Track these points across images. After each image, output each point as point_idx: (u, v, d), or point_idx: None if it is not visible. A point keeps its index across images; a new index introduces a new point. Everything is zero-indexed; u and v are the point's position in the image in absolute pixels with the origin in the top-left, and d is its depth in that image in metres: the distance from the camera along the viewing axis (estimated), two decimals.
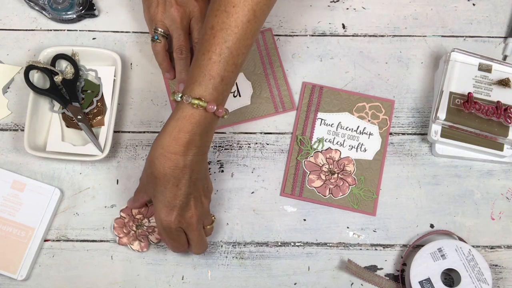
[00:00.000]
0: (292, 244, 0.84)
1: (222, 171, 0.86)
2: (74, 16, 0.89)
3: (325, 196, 0.85)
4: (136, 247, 0.82)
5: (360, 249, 0.84)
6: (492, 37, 0.92)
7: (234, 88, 0.88)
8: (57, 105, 0.86)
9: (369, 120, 0.88)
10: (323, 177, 0.86)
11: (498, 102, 0.84)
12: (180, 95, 0.69)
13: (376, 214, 0.85)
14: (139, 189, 0.79)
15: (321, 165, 0.86)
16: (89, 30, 0.91)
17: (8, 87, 0.88)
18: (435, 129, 0.84)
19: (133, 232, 0.82)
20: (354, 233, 0.85)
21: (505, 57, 0.91)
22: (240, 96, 0.88)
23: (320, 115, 0.88)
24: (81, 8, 0.89)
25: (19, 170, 0.85)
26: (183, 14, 0.83)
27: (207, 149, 0.72)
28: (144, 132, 0.87)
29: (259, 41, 0.90)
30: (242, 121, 0.87)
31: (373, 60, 0.90)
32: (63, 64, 0.87)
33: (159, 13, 0.84)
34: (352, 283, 0.83)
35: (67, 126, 0.85)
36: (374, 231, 0.85)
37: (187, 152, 0.69)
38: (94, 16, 0.90)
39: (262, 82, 0.88)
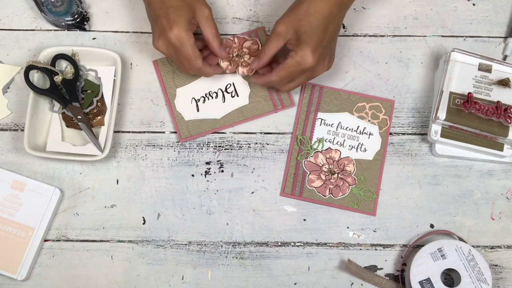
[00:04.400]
0: (292, 244, 0.84)
1: (222, 171, 0.86)
2: (63, 23, 0.89)
3: (325, 196, 0.85)
4: (224, 65, 0.85)
5: (360, 249, 0.84)
6: (492, 37, 0.92)
7: (231, 89, 0.88)
8: (57, 105, 0.86)
9: (369, 120, 0.88)
10: (323, 177, 0.86)
11: (498, 102, 0.84)
12: None
13: (376, 214, 0.85)
14: (274, 37, 0.80)
15: (321, 165, 0.86)
16: (89, 30, 0.91)
17: (8, 87, 0.88)
18: (435, 129, 0.84)
19: (231, 56, 0.86)
20: (354, 233, 0.85)
21: (505, 57, 0.91)
22: (238, 96, 0.88)
23: (320, 115, 0.88)
24: (72, 18, 0.89)
25: (19, 170, 0.85)
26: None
27: (344, 13, 0.81)
28: (144, 132, 0.87)
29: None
30: (241, 120, 0.87)
31: (373, 60, 0.90)
32: (63, 64, 0.87)
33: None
34: (352, 283, 0.83)
35: (67, 126, 0.86)
36: (374, 231, 0.85)
37: (340, 6, 0.78)
38: (83, 29, 0.90)
39: None
